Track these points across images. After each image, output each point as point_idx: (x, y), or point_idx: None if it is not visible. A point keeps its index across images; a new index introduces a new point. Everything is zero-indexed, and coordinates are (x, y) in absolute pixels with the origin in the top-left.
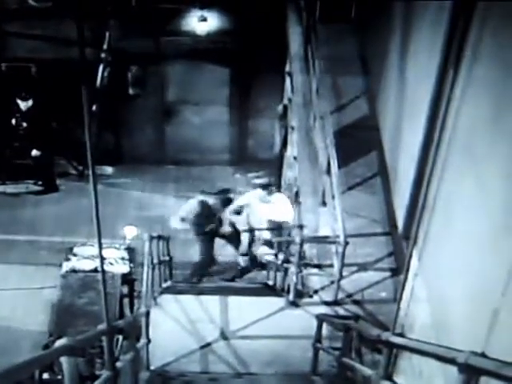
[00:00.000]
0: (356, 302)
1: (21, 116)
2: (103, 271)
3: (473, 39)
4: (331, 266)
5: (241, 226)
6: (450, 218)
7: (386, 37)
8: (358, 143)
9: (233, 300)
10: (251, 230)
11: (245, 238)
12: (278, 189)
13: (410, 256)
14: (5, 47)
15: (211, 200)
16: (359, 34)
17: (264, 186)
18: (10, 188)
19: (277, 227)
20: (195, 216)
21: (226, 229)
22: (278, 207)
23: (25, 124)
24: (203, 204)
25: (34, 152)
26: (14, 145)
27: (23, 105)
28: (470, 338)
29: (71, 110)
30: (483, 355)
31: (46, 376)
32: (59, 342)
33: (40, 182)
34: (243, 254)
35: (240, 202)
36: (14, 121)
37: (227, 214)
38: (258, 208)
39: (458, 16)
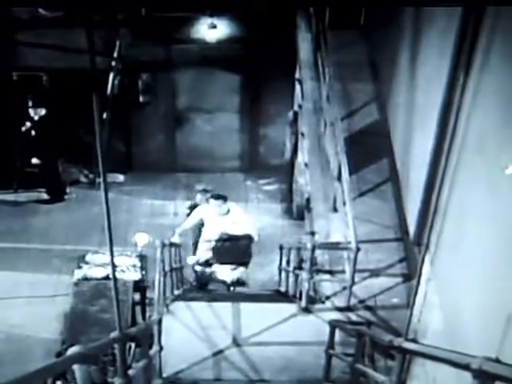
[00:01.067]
0: (368, 308)
1: (32, 125)
2: (115, 279)
3: (483, 44)
4: (343, 271)
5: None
6: (462, 224)
7: (396, 43)
8: (369, 149)
9: (245, 307)
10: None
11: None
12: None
13: (423, 261)
14: (16, 56)
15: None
16: (369, 41)
17: (217, 198)
18: (20, 197)
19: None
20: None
21: None
22: (237, 219)
23: (35, 133)
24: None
25: (34, 160)
26: (24, 153)
27: (34, 113)
28: (483, 344)
29: (82, 119)
30: (497, 361)
31: None
32: (72, 350)
33: (46, 191)
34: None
35: (190, 220)
36: (24, 129)
37: (175, 238)
38: (214, 222)
39: (467, 22)
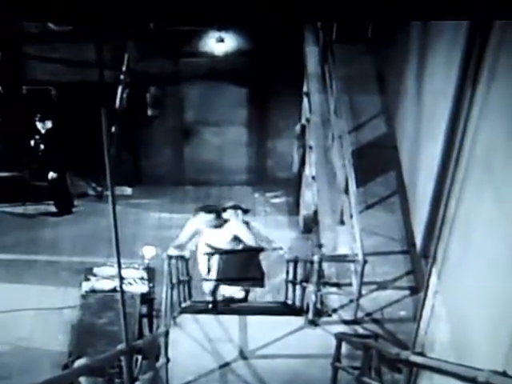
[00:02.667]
0: (375, 321)
1: (40, 138)
2: (122, 291)
3: (490, 58)
4: (350, 284)
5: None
6: (470, 237)
7: (403, 56)
8: (376, 162)
9: (252, 319)
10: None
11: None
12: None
13: (430, 274)
14: (25, 70)
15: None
16: (376, 54)
17: (207, 210)
18: (28, 209)
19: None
20: None
21: None
22: (233, 230)
23: (43, 146)
24: None
25: (51, 174)
26: (32, 167)
27: (42, 127)
28: (491, 357)
29: (91, 132)
30: (504, 374)
31: None
32: (79, 362)
33: (54, 204)
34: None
35: (184, 234)
36: (32, 143)
37: (170, 251)
38: (209, 235)
39: (474, 35)
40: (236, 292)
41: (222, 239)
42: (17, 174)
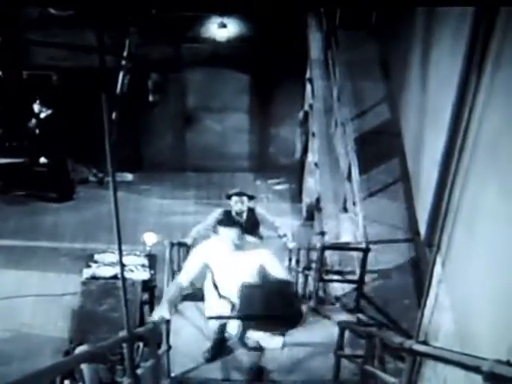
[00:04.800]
0: (378, 310)
1: (39, 124)
2: (123, 278)
3: (495, 44)
4: (353, 272)
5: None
6: (474, 224)
7: (408, 42)
8: (380, 149)
9: None
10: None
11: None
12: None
13: (434, 263)
14: (26, 55)
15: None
16: (380, 40)
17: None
18: (29, 195)
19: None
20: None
21: None
22: (259, 257)
23: (44, 132)
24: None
25: (42, 159)
26: (32, 153)
27: (40, 111)
28: (494, 346)
29: (91, 118)
30: (508, 363)
31: (67, 383)
32: (80, 349)
33: (54, 190)
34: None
35: (190, 268)
36: (33, 128)
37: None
38: (225, 262)
39: (480, 21)
40: (266, 339)
41: (244, 268)
42: (18, 161)
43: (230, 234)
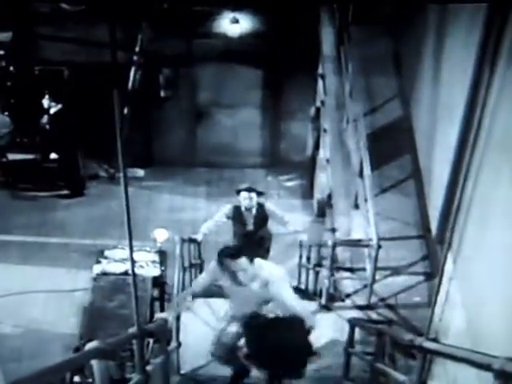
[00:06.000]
0: (389, 307)
1: (51, 119)
2: (134, 274)
3: (509, 39)
4: (364, 269)
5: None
6: (486, 221)
7: (420, 37)
8: (392, 145)
9: None
10: None
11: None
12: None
13: (445, 260)
14: (37, 50)
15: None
16: (393, 35)
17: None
18: (41, 191)
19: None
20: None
21: None
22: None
23: (55, 127)
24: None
25: (53, 155)
26: (43, 149)
27: (50, 106)
28: (506, 344)
29: (102, 113)
30: None
31: (76, 379)
32: (90, 345)
33: (65, 186)
34: None
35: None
36: (44, 124)
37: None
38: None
39: (493, 17)
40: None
41: (247, 301)
42: (29, 157)
43: (236, 266)
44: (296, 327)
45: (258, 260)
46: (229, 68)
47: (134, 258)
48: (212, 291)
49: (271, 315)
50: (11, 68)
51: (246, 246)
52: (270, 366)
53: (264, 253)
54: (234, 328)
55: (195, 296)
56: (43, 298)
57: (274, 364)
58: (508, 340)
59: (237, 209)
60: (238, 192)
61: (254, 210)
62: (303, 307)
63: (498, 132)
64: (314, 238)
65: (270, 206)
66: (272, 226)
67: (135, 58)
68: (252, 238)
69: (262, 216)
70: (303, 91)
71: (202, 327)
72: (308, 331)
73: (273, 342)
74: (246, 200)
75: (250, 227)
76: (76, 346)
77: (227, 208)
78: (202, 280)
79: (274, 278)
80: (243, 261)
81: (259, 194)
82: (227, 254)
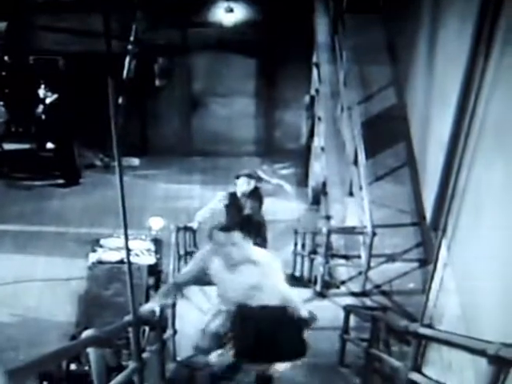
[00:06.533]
0: (384, 293)
1: (46, 109)
2: (129, 263)
3: (503, 26)
4: (359, 256)
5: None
6: (480, 208)
7: (414, 25)
8: (386, 133)
9: None
10: None
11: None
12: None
13: (439, 246)
14: (32, 40)
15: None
16: (387, 23)
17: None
18: (36, 180)
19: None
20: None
21: None
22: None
23: (50, 117)
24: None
25: (50, 145)
26: (39, 138)
27: (46, 96)
28: (500, 330)
29: (98, 102)
30: None
31: (73, 367)
32: (86, 333)
33: (61, 175)
34: None
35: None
36: (39, 114)
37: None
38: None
39: (487, 4)
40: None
41: (236, 285)
42: (24, 146)
43: (229, 239)
44: (288, 318)
45: (251, 245)
46: (223, 57)
47: (130, 247)
48: (202, 280)
49: (262, 304)
50: (6, 58)
51: (243, 233)
52: (258, 359)
53: (262, 242)
54: (221, 319)
55: (180, 288)
56: (39, 286)
57: (264, 357)
58: (502, 325)
59: (232, 195)
60: (238, 177)
61: (249, 194)
62: (297, 296)
63: (492, 119)
64: (308, 226)
65: (263, 175)
66: (267, 212)
67: (130, 47)
68: (249, 224)
69: (258, 200)
70: (298, 80)
71: (197, 314)
72: (303, 324)
73: (263, 333)
74: (243, 185)
75: (247, 212)
76: (72, 334)
77: (222, 195)
78: (187, 272)
79: (267, 263)
80: (236, 234)
81: (259, 180)
82: (220, 227)
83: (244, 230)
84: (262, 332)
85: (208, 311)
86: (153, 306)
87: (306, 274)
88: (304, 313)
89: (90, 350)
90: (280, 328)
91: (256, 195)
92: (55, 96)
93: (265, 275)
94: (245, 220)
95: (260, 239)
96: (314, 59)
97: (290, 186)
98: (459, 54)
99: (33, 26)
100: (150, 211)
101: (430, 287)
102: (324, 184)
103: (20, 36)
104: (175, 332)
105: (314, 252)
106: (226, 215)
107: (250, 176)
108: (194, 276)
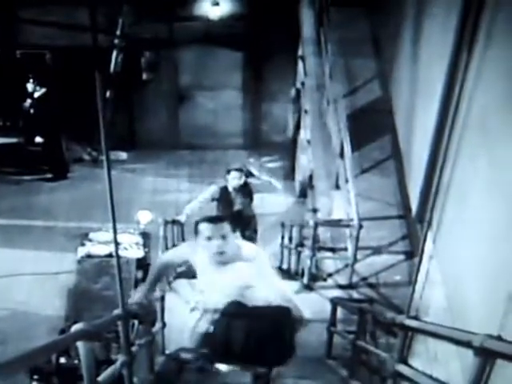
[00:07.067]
0: (370, 286)
1: (34, 103)
2: (118, 256)
3: (487, 19)
4: (345, 249)
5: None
6: (465, 201)
7: (399, 18)
8: (372, 126)
9: None
10: None
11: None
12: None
13: (425, 239)
14: (19, 34)
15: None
16: (372, 17)
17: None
18: (24, 175)
19: None
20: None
21: None
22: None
23: (38, 111)
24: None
25: (38, 139)
26: (27, 132)
27: (34, 90)
28: (485, 321)
29: (85, 97)
30: (499, 338)
31: (62, 360)
32: (75, 327)
33: (49, 169)
34: None
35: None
36: (27, 108)
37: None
38: (210, 273)
39: None
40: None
41: (227, 284)
42: (12, 140)
43: (216, 231)
44: (284, 319)
45: (239, 239)
46: (210, 50)
47: (118, 240)
48: (189, 273)
49: (253, 303)
50: None
51: (234, 227)
52: (248, 360)
53: (252, 233)
54: (209, 318)
55: (165, 271)
56: (28, 280)
57: (253, 360)
58: (487, 317)
59: (223, 189)
60: (229, 171)
61: (239, 189)
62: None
63: (476, 112)
64: (295, 219)
65: (255, 172)
66: (256, 206)
67: (117, 41)
68: (240, 218)
69: (249, 195)
70: (283, 73)
71: (186, 308)
72: (296, 324)
73: (254, 335)
74: (235, 180)
75: (238, 207)
76: (61, 327)
77: (213, 189)
78: (171, 253)
79: (260, 259)
80: (225, 225)
81: (249, 174)
82: (207, 219)
83: (234, 224)
84: (254, 333)
85: (194, 309)
86: (141, 296)
87: (293, 266)
88: (302, 313)
89: (80, 344)
90: (275, 330)
91: (246, 190)
92: (43, 90)
93: (259, 273)
94: (235, 215)
95: (250, 232)
96: (300, 52)
97: (279, 183)
98: (443, 46)
99: (19, 20)
100: (138, 205)
101: (415, 279)
102: (310, 177)
103: (6, 30)
104: (164, 325)
105: (301, 245)
106: (216, 209)
107: (240, 170)
108: (174, 262)
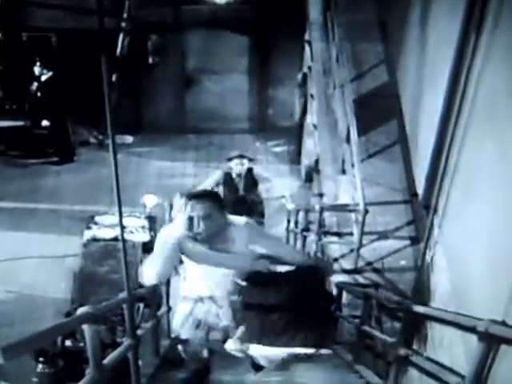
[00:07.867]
0: (376, 271)
1: (40, 86)
2: (124, 240)
3: (495, 3)
4: (351, 234)
5: None
6: (471, 186)
7: (406, 2)
8: (378, 111)
9: None
10: None
11: None
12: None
13: (431, 224)
14: (25, 17)
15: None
16: (379, 1)
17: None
18: (30, 158)
19: None
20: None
21: None
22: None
23: (44, 94)
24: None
25: (45, 122)
26: (33, 116)
27: (40, 73)
28: (490, 307)
29: (91, 80)
30: (504, 323)
31: (68, 343)
32: (81, 310)
33: (55, 153)
34: None
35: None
36: (33, 91)
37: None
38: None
39: None
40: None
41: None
42: (18, 124)
43: (202, 210)
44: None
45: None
46: (216, 34)
47: (124, 224)
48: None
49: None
50: None
51: (238, 212)
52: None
53: (258, 217)
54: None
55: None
56: (34, 263)
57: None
58: (492, 302)
59: (227, 175)
60: (230, 159)
61: (244, 176)
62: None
63: (483, 97)
64: (301, 203)
65: (257, 170)
66: (262, 190)
67: (123, 24)
68: (244, 203)
69: (252, 181)
70: (290, 57)
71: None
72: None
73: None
74: (237, 166)
75: (242, 192)
76: (67, 310)
77: (217, 174)
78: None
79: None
80: (208, 203)
81: (250, 160)
82: (191, 195)
83: (238, 209)
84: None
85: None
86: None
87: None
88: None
89: (85, 327)
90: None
91: (250, 176)
92: (50, 74)
93: (262, 238)
94: (239, 200)
95: (257, 217)
96: (307, 37)
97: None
98: (451, 31)
99: (25, 3)
100: (143, 188)
101: (421, 265)
102: (317, 161)
103: (12, 12)
104: (169, 309)
105: (306, 229)
106: (222, 194)
107: (241, 157)
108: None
